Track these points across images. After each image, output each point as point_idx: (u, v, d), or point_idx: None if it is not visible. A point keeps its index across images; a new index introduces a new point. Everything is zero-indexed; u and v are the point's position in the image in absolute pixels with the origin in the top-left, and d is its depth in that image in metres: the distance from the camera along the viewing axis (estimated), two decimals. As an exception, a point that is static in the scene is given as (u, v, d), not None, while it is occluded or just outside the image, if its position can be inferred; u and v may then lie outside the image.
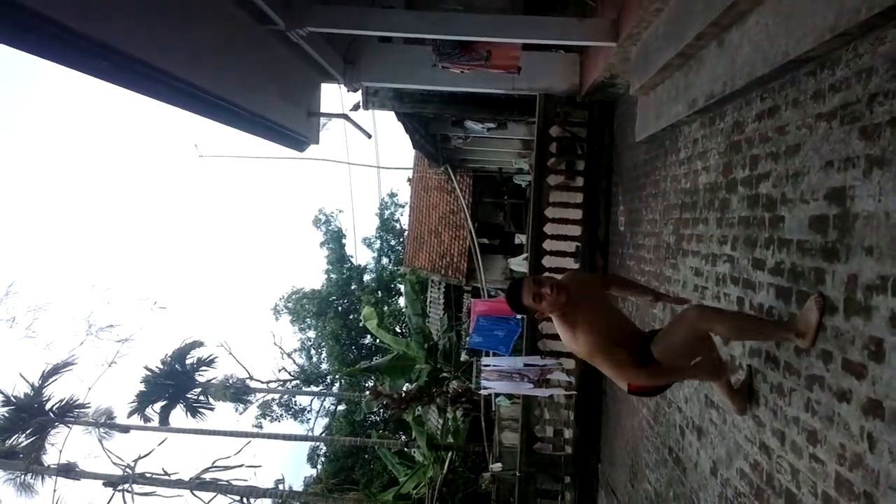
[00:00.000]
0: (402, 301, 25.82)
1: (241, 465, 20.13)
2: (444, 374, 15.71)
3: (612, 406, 7.93)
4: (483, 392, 11.68)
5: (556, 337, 8.77)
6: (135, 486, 17.95)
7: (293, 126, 7.50)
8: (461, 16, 7.34)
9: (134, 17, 4.23)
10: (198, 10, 5.17)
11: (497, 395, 10.73)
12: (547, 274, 3.45)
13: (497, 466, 10.82)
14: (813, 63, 3.16)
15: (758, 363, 3.61)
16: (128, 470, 18.50)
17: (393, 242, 29.34)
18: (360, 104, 9.92)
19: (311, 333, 28.44)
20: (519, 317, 9.59)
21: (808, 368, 3.03)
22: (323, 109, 8.62)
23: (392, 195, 29.41)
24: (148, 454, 19.00)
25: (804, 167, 3.19)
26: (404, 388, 16.16)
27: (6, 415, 17.85)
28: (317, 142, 8.36)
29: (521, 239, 17.25)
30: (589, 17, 7.33)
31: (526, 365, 8.60)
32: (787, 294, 3.28)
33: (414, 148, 15.50)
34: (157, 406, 19.92)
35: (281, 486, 19.76)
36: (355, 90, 9.05)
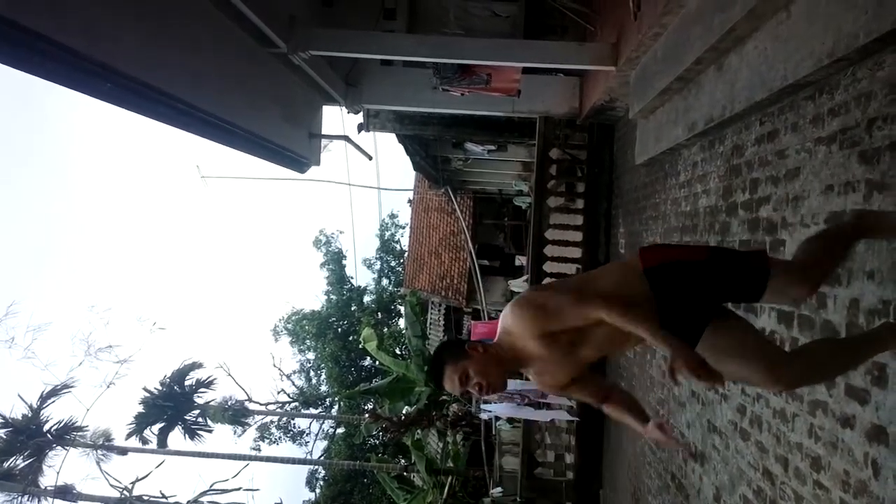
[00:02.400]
0: (402, 323, 25.75)
1: (239, 489, 20.00)
2: (444, 398, 15.60)
3: (614, 431, 7.86)
4: (483, 416, 11.60)
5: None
6: (132, 509, 17.77)
7: (295, 147, 7.53)
8: (462, 40, 7.41)
9: (137, 40, 4.26)
10: (201, 33, 5.22)
11: (497, 418, 10.65)
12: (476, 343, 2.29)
13: (497, 492, 10.70)
14: (812, 88, 3.18)
15: (760, 388, 3.57)
16: (125, 492, 18.35)
17: (393, 263, 29.32)
18: (363, 125, 9.98)
19: (311, 355, 28.30)
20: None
21: (810, 394, 3.01)
22: (324, 131, 8.67)
23: (392, 216, 29.47)
24: (146, 476, 18.89)
25: (804, 191, 3.19)
26: (404, 412, 16.05)
27: (4, 436, 17.74)
28: (318, 163, 8.40)
29: (521, 261, 17.25)
30: (588, 42, 7.40)
31: (526, 386, 8.54)
32: (789, 318, 3.26)
33: (415, 169, 15.57)
34: (156, 428, 19.79)
35: (279, 510, 19.51)
36: (356, 112, 9.11)
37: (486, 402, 8.80)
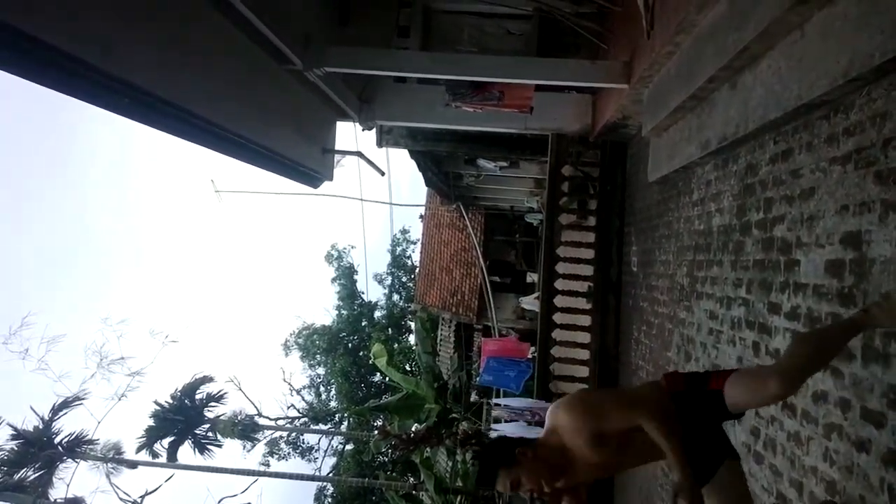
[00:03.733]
0: (412, 339, 25.73)
1: (247, 504, 19.92)
2: (454, 415, 15.52)
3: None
4: (493, 436, 11.52)
5: (568, 379, 8.69)
6: (140, 522, 17.75)
7: (308, 163, 7.58)
8: (475, 57, 7.46)
9: (155, 56, 4.31)
10: (218, 50, 5.28)
11: (508, 437, 10.57)
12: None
13: (507, 511, 10.61)
14: (826, 107, 3.16)
15: (774, 411, 3.53)
16: (134, 506, 18.33)
17: (404, 279, 29.35)
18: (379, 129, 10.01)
19: (321, 370, 28.29)
20: (530, 357, 9.49)
21: (825, 417, 2.96)
22: (337, 147, 8.73)
23: (404, 231, 29.55)
24: (155, 490, 18.88)
25: (819, 211, 3.17)
26: (413, 429, 15.97)
27: (15, 448, 17.82)
28: (331, 178, 8.44)
29: (532, 278, 17.21)
30: (601, 60, 7.42)
31: (537, 404, 8.49)
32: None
33: (427, 185, 15.62)
34: (166, 442, 19.81)
35: (287, 526, 19.42)
36: (370, 128, 9.16)
37: (496, 419, 8.74)
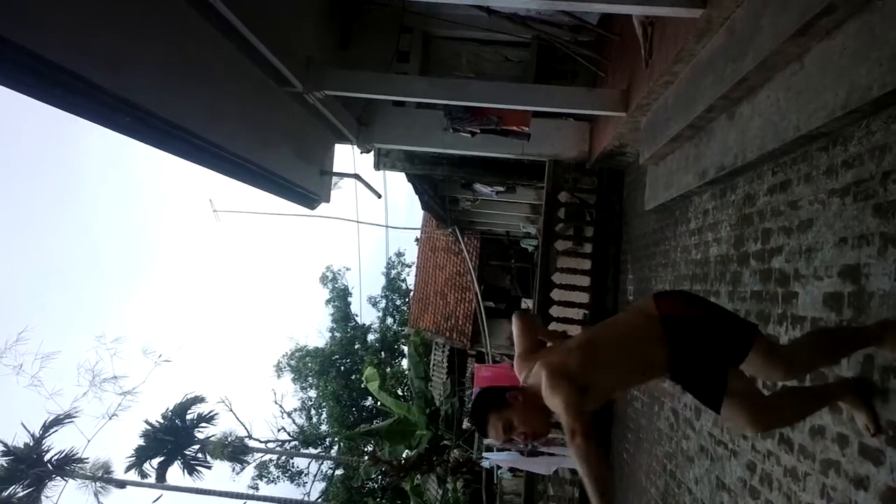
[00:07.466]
0: (405, 363, 25.58)
1: (234, 528, 19.66)
2: (446, 442, 15.36)
3: (619, 484, 7.67)
4: (485, 464, 11.40)
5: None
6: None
7: (306, 184, 7.58)
8: (473, 83, 7.49)
9: (157, 76, 4.32)
10: (220, 71, 5.30)
11: (499, 466, 10.44)
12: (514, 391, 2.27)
13: (497, 541, 10.45)
14: (825, 139, 3.16)
15: (771, 445, 3.48)
16: (119, 528, 18.06)
17: (398, 302, 29.23)
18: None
19: (312, 393, 28.06)
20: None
21: (823, 452, 2.92)
22: (335, 169, 8.74)
23: (399, 254, 29.52)
24: (142, 512, 18.65)
25: (817, 243, 3.15)
26: (404, 455, 15.79)
27: (5, 465, 17.63)
28: (328, 200, 8.44)
29: (527, 304, 17.15)
30: (599, 88, 7.46)
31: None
32: (801, 372, 3.19)
33: (423, 209, 15.63)
34: (155, 462, 19.60)
35: (274, 552, 19.16)
36: (368, 151, 9.18)
37: (488, 449, 8.63)
